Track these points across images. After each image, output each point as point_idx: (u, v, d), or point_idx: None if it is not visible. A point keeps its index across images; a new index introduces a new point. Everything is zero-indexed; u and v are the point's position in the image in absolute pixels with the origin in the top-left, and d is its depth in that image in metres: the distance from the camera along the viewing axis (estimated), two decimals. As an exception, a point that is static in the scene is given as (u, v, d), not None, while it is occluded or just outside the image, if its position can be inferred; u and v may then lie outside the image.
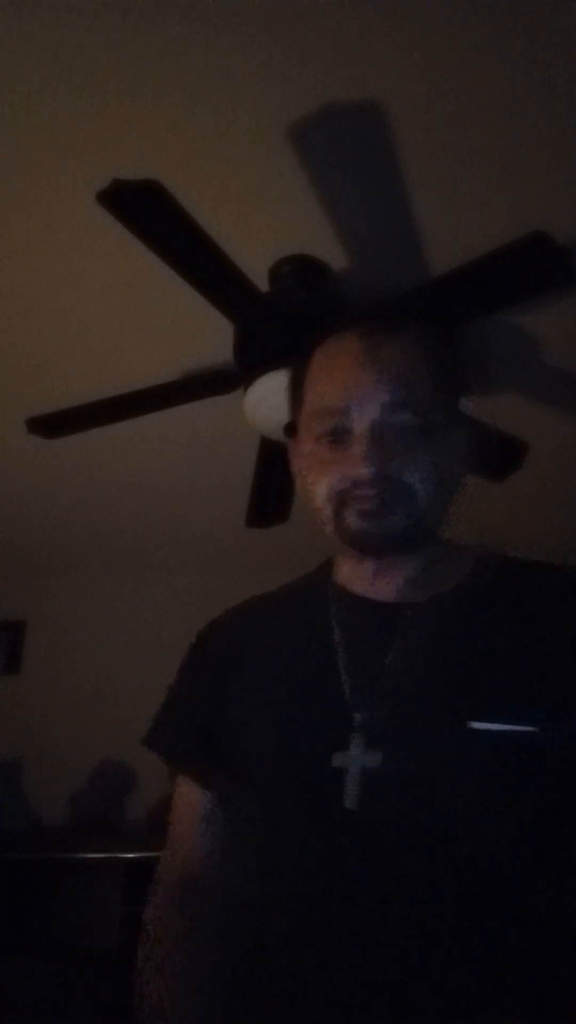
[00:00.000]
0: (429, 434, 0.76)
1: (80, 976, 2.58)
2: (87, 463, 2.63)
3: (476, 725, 0.66)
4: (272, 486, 2.15)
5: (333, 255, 1.73)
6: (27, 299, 1.89)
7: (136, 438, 2.40)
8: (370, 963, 0.63)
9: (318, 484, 0.78)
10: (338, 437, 0.76)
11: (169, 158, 1.49)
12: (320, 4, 1.25)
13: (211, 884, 0.80)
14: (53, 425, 1.95)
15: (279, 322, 1.70)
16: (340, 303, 1.75)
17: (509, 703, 0.67)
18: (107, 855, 2.84)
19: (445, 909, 0.63)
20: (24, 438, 2.04)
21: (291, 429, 0.88)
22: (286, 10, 1.26)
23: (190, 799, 0.85)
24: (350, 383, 0.76)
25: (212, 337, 1.85)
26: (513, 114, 1.43)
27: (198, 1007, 0.74)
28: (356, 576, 0.82)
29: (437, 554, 0.81)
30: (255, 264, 1.68)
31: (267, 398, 1.68)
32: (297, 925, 0.67)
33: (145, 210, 1.39)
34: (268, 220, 1.65)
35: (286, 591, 0.91)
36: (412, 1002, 0.62)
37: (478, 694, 0.68)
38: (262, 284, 1.73)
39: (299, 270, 1.74)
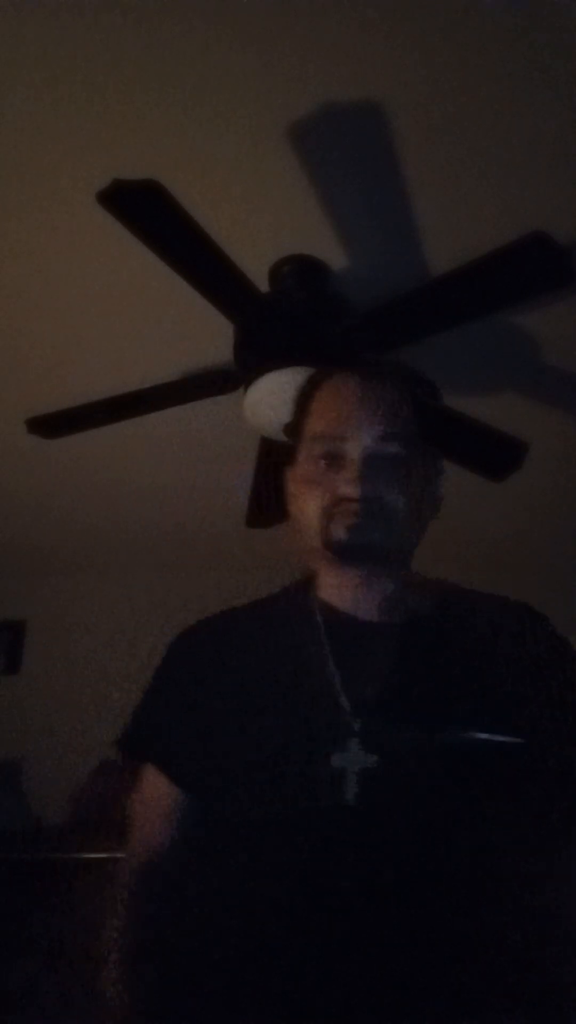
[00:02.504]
0: (411, 467, 0.88)
1: (80, 976, 2.58)
2: (87, 463, 2.63)
3: (454, 733, 0.77)
4: (272, 486, 2.15)
5: (333, 255, 1.73)
6: (27, 299, 1.89)
7: (136, 438, 2.40)
8: (374, 947, 0.70)
9: (311, 499, 0.88)
10: (333, 460, 0.87)
11: (169, 158, 1.49)
12: (320, 4, 1.25)
13: (176, 876, 0.85)
14: (53, 425, 1.95)
15: (279, 322, 1.70)
16: (340, 303, 1.75)
17: (487, 718, 0.79)
18: (107, 855, 2.84)
19: (436, 892, 0.73)
20: (24, 438, 2.03)
21: (291, 431, 0.97)
22: (286, 10, 1.26)
23: (160, 796, 0.89)
24: (350, 414, 0.88)
25: (212, 337, 1.85)
26: (513, 114, 1.43)
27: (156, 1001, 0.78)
28: (339, 592, 0.90)
29: (411, 581, 0.92)
30: (255, 264, 1.68)
31: (267, 398, 1.68)
32: (302, 909, 0.73)
33: (145, 210, 1.39)
34: (268, 220, 1.65)
35: (268, 604, 0.98)
36: (413, 987, 0.69)
37: (460, 709, 0.80)
38: (262, 284, 1.73)
39: (299, 270, 1.74)
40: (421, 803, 0.76)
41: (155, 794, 0.90)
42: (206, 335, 1.89)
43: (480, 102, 1.41)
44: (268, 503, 2.23)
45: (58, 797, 3.12)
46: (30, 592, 3.61)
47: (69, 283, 1.84)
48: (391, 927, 0.71)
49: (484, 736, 0.77)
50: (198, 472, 2.72)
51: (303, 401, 0.95)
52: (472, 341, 1.99)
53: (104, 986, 0.81)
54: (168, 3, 1.25)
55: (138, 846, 0.89)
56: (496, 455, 2.01)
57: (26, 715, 3.29)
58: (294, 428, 0.96)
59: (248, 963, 0.73)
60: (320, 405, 0.92)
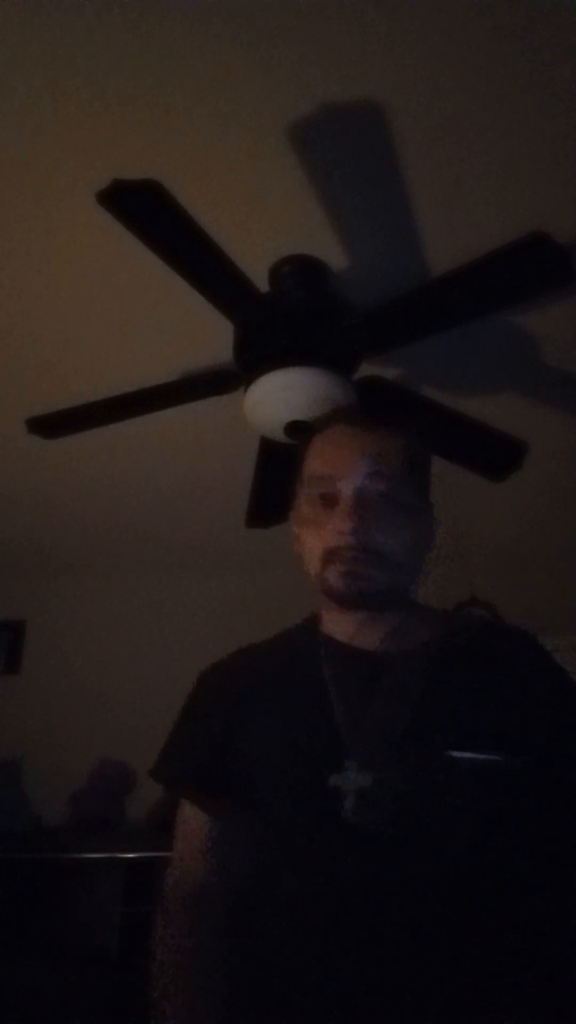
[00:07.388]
0: (401, 506, 0.92)
1: (80, 976, 2.58)
2: (87, 463, 2.63)
3: (446, 753, 0.81)
4: (272, 486, 2.15)
5: (333, 255, 1.73)
6: (27, 299, 1.89)
7: (136, 438, 2.40)
8: (371, 956, 0.75)
9: (309, 541, 0.93)
10: (328, 499, 0.92)
11: (169, 158, 1.49)
12: (320, 4, 1.25)
13: (218, 898, 0.91)
14: (53, 425, 1.95)
15: (279, 322, 1.70)
16: (340, 303, 1.75)
17: (472, 737, 0.83)
18: (107, 855, 2.84)
19: (430, 900, 0.77)
20: (24, 438, 2.04)
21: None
22: (286, 10, 1.26)
23: (194, 823, 0.96)
24: (341, 456, 0.93)
25: (212, 337, 1.85)
26: (513, 114, 1.43)
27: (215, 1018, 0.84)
28: (341, 627, 0.95)
29: (411, 613, 0.96)
30: (255, 264, 1.68)
31: (267, 398, 1.68)
32: (305, 920, 0.79)
33: (145, 210, 1.39)
34: (268, 220, 1.65)
35: (279, 641, 1.04)
36: (408, 994, 0.74)
37: (447, 730, 0.84)
38: (262, 284, 1.73)
39: (299, 270, 1.74)
40: (416, 819, 0.80)
41: (186, 821, 0.97)
42: (206, 335, 1.89)
43: (480, 102, 1.41)
44: (268, 503, 2.23)
45: (58, 797, 3.12)
46: (30, 592, 3.61)
47: (69, 283, 1.84)
48: (386, 935, 0.76)
49: (474, 755, 0.81)
50: (198, 472, 2.72)
51: (304, 446, 1.00)
52: (472, 341, 1.99)
53: (166, 1007, 0.85)
54: (168, 3, 1.25)
55: (177, 871, 0.96)
56: (496, 455, 2.01)
57: (26, 715, 3.29)
58: (296, 474, 1.01)
59: (261, 971, 0.80)
60: (318, 449, 0.97)
